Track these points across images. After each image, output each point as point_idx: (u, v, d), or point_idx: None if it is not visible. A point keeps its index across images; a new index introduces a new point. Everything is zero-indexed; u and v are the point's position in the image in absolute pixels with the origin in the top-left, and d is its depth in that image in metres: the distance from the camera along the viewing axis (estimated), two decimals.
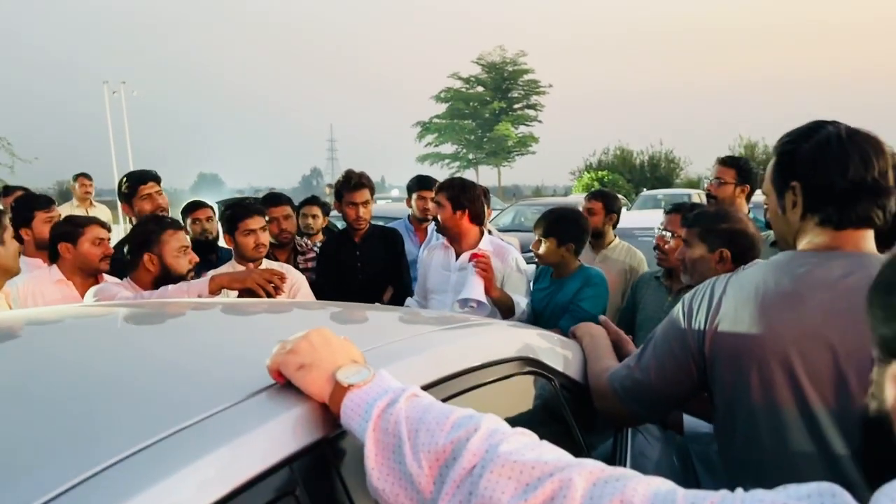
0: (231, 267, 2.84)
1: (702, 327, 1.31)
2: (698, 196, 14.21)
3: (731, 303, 1.28)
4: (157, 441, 0.69)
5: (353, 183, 3.37)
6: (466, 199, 2.93)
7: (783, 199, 1.30)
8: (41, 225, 3.23)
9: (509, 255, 2.98)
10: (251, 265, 2.81)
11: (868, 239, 1.23)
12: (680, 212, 2.70)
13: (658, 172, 28.63)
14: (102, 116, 17.32)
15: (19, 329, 1.31)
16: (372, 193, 3.44)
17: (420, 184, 4.04)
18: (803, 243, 1.28)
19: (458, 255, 2.98)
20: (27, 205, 3.37)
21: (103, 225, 2.75)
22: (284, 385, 0.86)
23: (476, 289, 2.67)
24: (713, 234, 2.09)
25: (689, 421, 1.88)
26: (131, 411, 0.80)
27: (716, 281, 1.36)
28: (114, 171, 17.80)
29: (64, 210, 5.84)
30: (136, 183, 3.20)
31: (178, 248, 2.45)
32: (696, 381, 1.34)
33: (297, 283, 2.93)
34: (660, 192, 17.23)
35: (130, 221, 3.29)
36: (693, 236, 2.13)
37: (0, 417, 0.79)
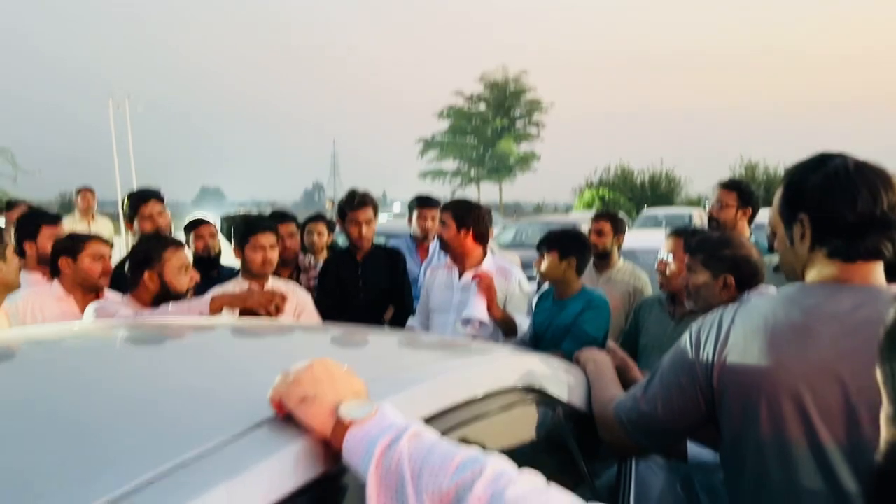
0: (237, 283, 2.82)
1: (710, 359, 1.29)
2: (699, 216, 14.22)
3: (739, 334, 1.26)
4: (149, 481, 0.67)
5: (356, 202, 3.36)
6: (471, 218, 2.94)
7: (791, 230, 1.29)
8: (45, 240, 3.19)
9: (512, 275, 2.98)
10: (254, 284, 2.79)
11: (877, 271, 1.22)
12: (681, 236, 2.69)
13: (659, 191, 28.66)
14: (106, 129, 17.38)
15: (12, 351, 1.30)
16: (375, 212, 3.43)
17: (421, 202, 4.03)
18: (812, 275, 1.27)
19: (461, 275, 2.98)
20: (33, 218, 3.35)
21: (104, 241, 2.75)
22: (285, 417, 0.85)
23: (479, 308, 2.67)
24: (716, 260, 2.08)
25: (694, 449, 1.86)
26: (123, 445, 0.78)
27: (724, 311, 1.34)
28: (117, 183, 17.83)
29: (66, 223, 5.84)
30: (138, 202, 3.20)
31: (178, 267, 2.44)
32: (704, 413, 1.32)
33: (301, 302, 2.92)
34: (661, 211, 17.25)
35: (133, 236, 3.29)
36: (696, 263, 2.12)
37: None
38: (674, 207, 21.19)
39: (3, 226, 5.73)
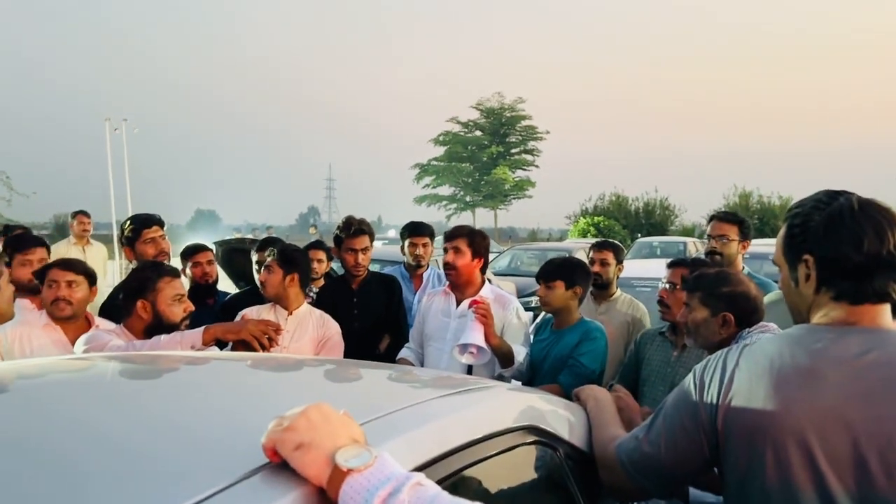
0: (267, 309, 2.88)
1: (714, 401, 1.26)
2: (694, 245, 14.25)
3: (744, 377, 1.24)
4: None
5: (353, 230, 3.35)
6: (483, 248, 2.96)
7: (795, 271, 1.27)
8: (18, 267, 3.07)
9: (510, 303, 2.96)
10: (281, 311, 2.84)
11: (885, 314, 1.20)
12: (683, 266, 2.68)
13: (653, 219, 28.78)
14: (102, 151, 17.38)
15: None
16: (371, 240, 3.42)
17: (412, 230, 3.97)
18: (818, 317, 1.25)
19: (458, 303, 2.95)
20: (16, 245, 3.29)
21: (65, 266, 2.66)
22: (280, 464, 0.81)
23: (476, 335, 2.64)
24: (715, 297, 2.06)
25: (696, 492, 1.82)
26: (105, 493, 0.75)
27: (728, 352, 1.31)
28: (112, 206, 17.79)
29: (61, 247, 5.81)
30: (141, 227, 3.16)
31: (172, 297, 2.39)
32: (708, 457, 1.29)
33: (329, 332, 2.92)
34: (655, 240, 17.29)
35: (129, 260, 3.24)
36: (695, 300, 2.10)
37: None
38: (668, 237, 21.25)
39: None
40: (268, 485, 0.78)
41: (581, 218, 27.70)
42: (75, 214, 6.17)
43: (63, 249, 5.70)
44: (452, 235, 2.95)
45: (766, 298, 2.35)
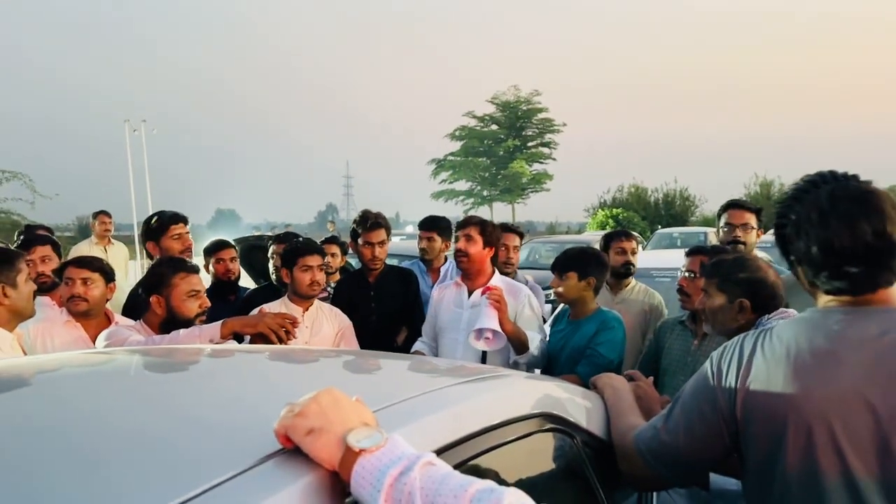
0: (282, 304, 2.89)
1: (732, 388, 1.25)
2: (715, 235, 14.10)
3: (762, 362, 1.22)
4: None
5: (369, 223, 3.37)
6: (495, 238, 2.98)
7: (794, 268, 1.28)
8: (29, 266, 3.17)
9: (521, 292, 2.97)
10: (300, 305, 2.89)
11: (894, 293, 1.19)
12: (702, 253, 2.66)
13: (673, 210, 28.50)
14: (122, 152, 17.60)
15: (21, 380, 1.28)
16: (388, 233, 3.43)
17: (420, 224, 3.99)
18: (825, 300, 1.24)
19: (470, 293, 2.96)
20: (20, 246, 3.37)
21: (80, 264, 2.70)
22: (293, 450, 0.82)
23: (491, 320, 2.66)
24: (732, 283, 2.04)
25: (716, 478, 1.81)
26: (124, 480, 0.76)
27: (744, 338, 1.30)
28: (132, 207, 18.00)
29: (83, 247, 5.91)
30: (168, 223, 3.21)
31: (187, 292, 2.41)
32: (728, 443, 1.28)
33: (344, 328, 2.98)
34: (675, 231, 17.13)
35: (150, 258, 3.28)
36: (712, 286, 2.08)
37: None
38: (688, 227, 21.05)
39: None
40: (281, 470, 0.79)
41: (599, 210, 27.53)
42: (96, 215, 6.25)
43: (85, 249, 5.78)
44: (465, 224, 2.99)
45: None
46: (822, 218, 1.16)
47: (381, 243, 3.37)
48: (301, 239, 3.28)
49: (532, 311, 2.93)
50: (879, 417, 1.09)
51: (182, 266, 2.51)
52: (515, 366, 2.74)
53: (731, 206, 3.31)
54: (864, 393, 1.11)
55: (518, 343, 2.75)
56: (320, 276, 2.90)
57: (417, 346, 3.12)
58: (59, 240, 3.96)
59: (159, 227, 3.18)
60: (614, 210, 26.44)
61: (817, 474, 1.14)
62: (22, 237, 3.78)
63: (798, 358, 1.18)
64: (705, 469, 1.47)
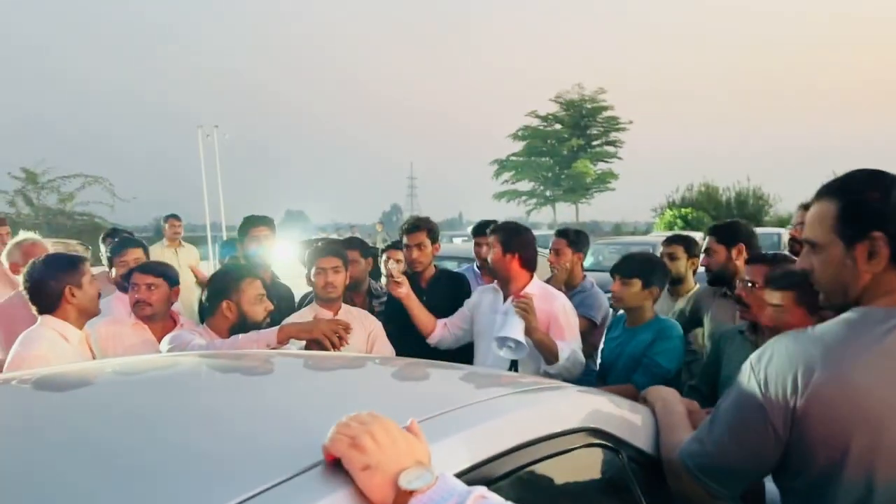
0: (311, 310, 2.90)
1: (782, 395, 1.20)
2: (789, 236, 13.52)
3: (814, 365, 1.18)
4: None
5: (408, 226, 3.45)
6: (518, 243, 2.90)
7: (852, 249, 1.22)
8: (119, 268, 3.40)
9: (556, 300, 2.91)
10: (327, 311, 2.86)
11: None
12: (763, 262, 2.55)
13: (746, 210, 27.42)
14: (196, 158, 18.32)
15: (70, 385, 1.36)
16: (431, 236, 3.42)
17: (475, 230, 3.97)
18: (883, 299, 1.20)
19: (505, 298, 2.94)
20: (115, 248, 3.57)
21: (145, 270, 2.82)
22: (335, 462, 0.84)
23: (515, 328, 2.62)
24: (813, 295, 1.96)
25: (773, 490, 1.74)
26: (179, 482, 0.80)
27: (782, 341, 1.26)
28: (205, 209, 18.72)
29: (156, 249, 6.17)
30: (249, 226, 3.46)
31: (255, 297, 2.50)
32: (779, 450, 1.24)
33: (374, 329, 2.98)
34: None
35: (239, 256, 3.48)
36: (788, 299, 2.00)
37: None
38: (762, 228, 20.27)
39: (84, 254, 6.14)
40: (325, 479, 0.81)
41: (667, 210, 26.78)
42: (167, 218, 6.53)
43: (157, 251, 6.05)
44: (482, 231, 3.00)
45: None
46: None
47: (420, 246, 3.38)
48: (320, 242, 3.31)
49: (565, 320, 2.87)
50: None
51: (248, 271, 2.60)
52: (546, 375, 2.69)
53: (805, 206, 3.19)
54: None
55: (547, 352, 2.70)
56: (335, 279, 2.87)
57: (437, 333, 3.11)
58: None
59: (240, 230, 3.42)
60: (683, 210, 25.68)
61: (881, 477, 1.12)
62: (115, 240, 4.01)
63: (855, 359, 1.15)
64: (756, 478, 1.43)
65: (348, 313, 2.93)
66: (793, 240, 3.14)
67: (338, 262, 2.89)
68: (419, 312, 3.07)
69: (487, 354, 2.86)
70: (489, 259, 2.94)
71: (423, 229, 3.41)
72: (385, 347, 2.96)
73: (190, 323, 2.76)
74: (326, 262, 2.87)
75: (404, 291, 2.99)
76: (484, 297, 3.08)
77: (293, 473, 0.80)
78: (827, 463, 1.17)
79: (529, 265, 2.94)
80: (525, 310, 2.64)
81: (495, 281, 3.04)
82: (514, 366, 2.78)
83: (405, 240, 3.44)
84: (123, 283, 3.10)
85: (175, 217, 6.51)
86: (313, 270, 2.89)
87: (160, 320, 2.75)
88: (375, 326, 3.00)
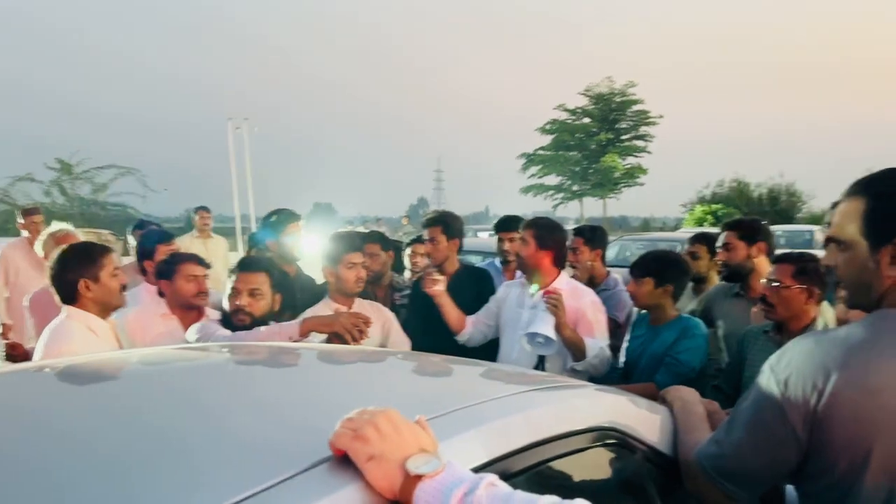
0: (325, 304, 2.90)
1: (802, 397, 1.19)
2: (822, 233, 13.25)
3: (835, 367, 1.16)
4: None
5: (424, 220, 3.50)
6: (552, 240, 2.89)
7: (876, 252, 1.20)
8: (161, 257, 3.45)
9: (585, 296, 2.90)
10: (342, 304, 2.87)
11: None
12: (788, 262, 2.50)
13: (778, 206, 26.94)
14: (225, 150, 18.58)
15: (93, 373, 1.40)
16: (446, 231, 3.41)
17: (499, 226, 3.96)
18: None
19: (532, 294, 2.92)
20: (150, 238, 3.63)
21: (198, 262, 2.86)
22: (343, 457, 0.85)
23: (545, 324, 2.61)
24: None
25: (791, 491, 1.72)
26: (194, 473, 0.81)
27: (802, 343, 1.24)
28: (234, 201, 18.98)
29: (184, 241, 6.27)
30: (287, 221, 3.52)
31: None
32: (798, 453, 1.22)
33: (388, 320, 2.99)
34: (779, 229, 16.19)
35: (271, 251, 3.51)
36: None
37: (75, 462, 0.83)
38: (794, 225, 19.87)
39: (115, 244, 6.26)
40: (336, 473, 0.82)
41: (697, 206, 26.41)
42: (197, 210, 6.68)
43: (187, 242, 6.17)
44: (510, 226, 3.02)
45: None
46: None
47: (433, 240, 3.39)
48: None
49: (594, 317, 2.85)
50: None
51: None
52: (573, 372, 2.69)
53: (836, 205, 3.12)
54: None
55: (576, 349, 2.69)
56: (363, 273, 2.91)
57: (466, 331, 3.11)
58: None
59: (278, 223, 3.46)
60: (713, 206, 25.29)
61: None
62: (145, 231, 4.09)
63: (879, 366, 1.13)
64: (775, 481, 1.41)
65: (361, 306, 2.94)
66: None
67: (363, 258, 2.93)
68: (451, 311, 3.08)
69: (513, 348, 2.86)
70: (521, 253, 2.92)
71: (437, 224, 3.41)
72: (399, 338, 2.98)
73: (214, 314, 2.80)
74: (356, 258, 2.89)
75: (440, 289, 3.00)
76: (511, 291, 3.08)
77: (304, 468, 0.81)
78: (849, 467, 1.16)
79: (560, 262, 2.95)
80: (555, 306, 2.63)
81: (522, 275, 3.04)
82: (541, 362, 2.77)
83: (424, 234, 3.47)
84: (153, 272, 3.15)
85: (205, 209, 6.63)
86: (340, 265, 2.88)
87: (192, 310, 2.80)
88: (389, 318, 3.03)
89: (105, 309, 2.37)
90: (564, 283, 2.93)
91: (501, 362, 2.85)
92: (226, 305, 2.53)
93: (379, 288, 3.64)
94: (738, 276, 3.13)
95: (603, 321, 2.91)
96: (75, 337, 2.27)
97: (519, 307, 2.95)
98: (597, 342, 2.77)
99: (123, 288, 2.41)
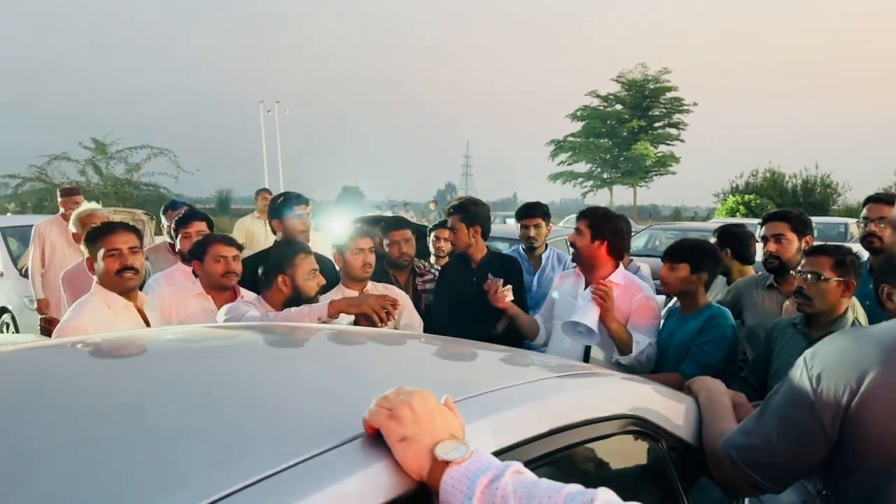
0: (339, 290, 2.95)
1: (831, 394, 1.18)
2: (857, 226, 12.95)
3: (867, 366, 1.15)
4: (242, 489, 0.71)
5: (447, 208, 3.51)
6: (608, 230, 2.83)
7: None
8: (182, 240, 3.51)
9: (639, 291, 2.85)
10: (354, 289, 2.92)
11: None
12: (824, 254, 2.47)
13: (812, 198, 26.31)
14: (257, 132, 18.75)
15: (114, 351, 1.44)
16: (465, 220, 3.39)
17: (521, 213, 3.95)
18: None
19: (587, 285, 2.89)
20: (186, 218, 3.69)
21: (229, 243, 2.91)
22: (374, 434, 0.87)
23: (589, 315, 2.58)
24: None
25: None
26: (226, 449, 0.84)
27: (839, 339, 1.23)
28: (265, 182, 19.17)
29: (246, 221, 6.62)
30: (293, 203, 3.49)
31: (308, 272, 2.58)
32: (821, 450, 1.22)
33: (402, 303, 3.03)
34: (813, 220, 15.83)
35: (275, 232, 3.53)
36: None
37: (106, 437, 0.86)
38: (828, 217, 19.43)
39: (148, 223, 6.37)
40: (365, 451, 0.85)
41: (730, 196, 25.93)
42: (259, 191, 7.02)
43: (248, 223, 6.52)
44: (578, 217, 2.93)
45: None
46: None
47: (452, 228, 3.39)
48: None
49: (647, 310, 2.81)
50: None
51: (300, 247, 2.68)
52: (617, 365, 2.66)
53: (871, 199, 3.08)
54: None
55: (621, 343, 2.67)
56: (371, 258, 2.96)
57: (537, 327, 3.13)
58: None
59: (287, 205, 3.43)
60: (746, 196, 24.81)
61: None
62: (182, 212, 4.15)
63: None
64: (803, 474, 1.40)
65: (374, 289, 3.00)
66: (871, 235, 3.02)
67: (372, 243, 2.99)
68: (524, 320, 3.10)
69: (563, 339, 2.82)
70: (576, 244, 2.87)
71: (457, 213, 3.39)
72: (413, 317, 3.05)
73: (248, 294, 2.86)
74: (364, 243, 2.93)
75: (510, 301, 3.00)
76: (565, 281, 3.07)
77: (335, 444, 0.83)
78: (882, 465, 1.15)
79: (617, 254, 2.88)
80: (602, 297, 2.59)
81: (577, 266, 3.00)
82: (586, 352, 2.77)
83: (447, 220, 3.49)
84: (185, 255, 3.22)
85: (266, 190, 7.05)
86: (348, 251, 2.93)
87: (226, 290, 2.86)
88: (402, 298, 3.04)
89: (110, 289, 2.44)
90: (621, 276, 2.88)
91: (551, 353, 2.84)
92: None
93: (401, 273, 3.67)
94: (786, 269, 3.03)
95: (655, 317, 2.86)
96: (85, 312, 2.36)
97: (572, 297, 2.92)
98: (645, 338, 2.72)
99: (124, 270, 2.44)
